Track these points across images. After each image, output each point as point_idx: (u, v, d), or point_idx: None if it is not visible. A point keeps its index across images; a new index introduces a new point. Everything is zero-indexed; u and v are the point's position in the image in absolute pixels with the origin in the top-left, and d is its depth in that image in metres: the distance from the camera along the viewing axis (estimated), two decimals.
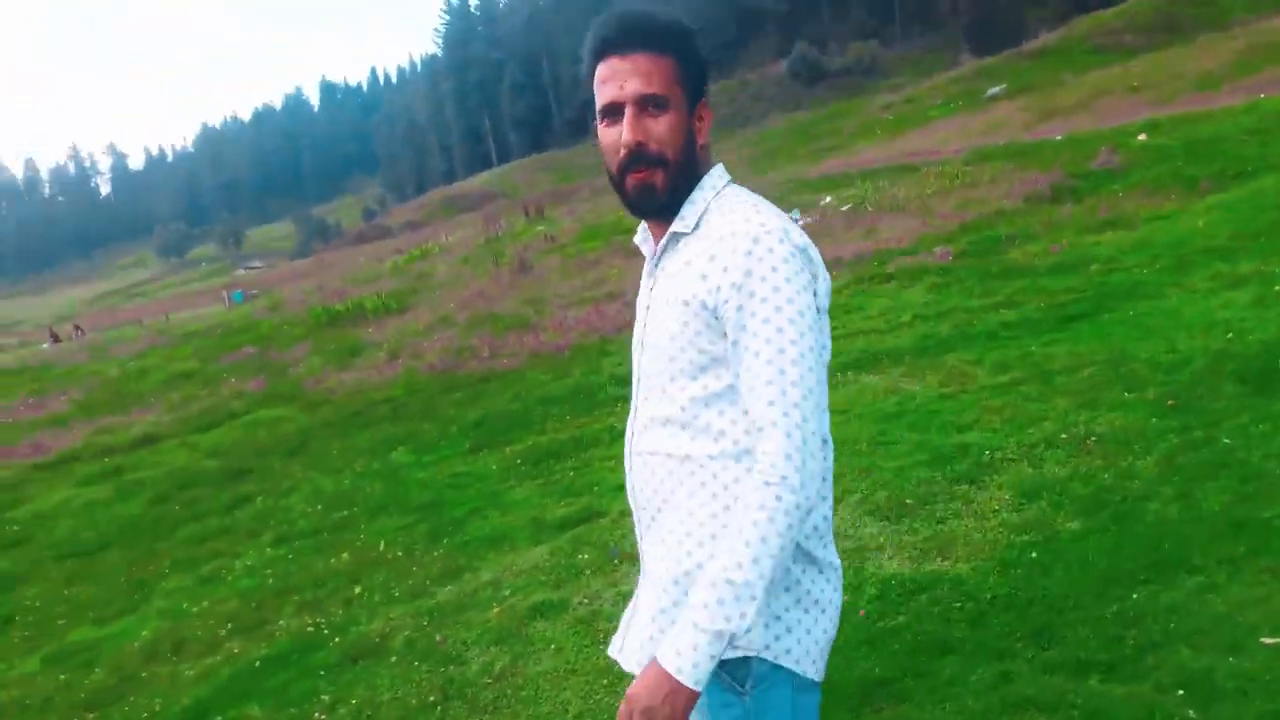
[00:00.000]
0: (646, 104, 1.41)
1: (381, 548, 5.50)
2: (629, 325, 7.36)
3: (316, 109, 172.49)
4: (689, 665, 1.24)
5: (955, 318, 7.97)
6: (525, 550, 4.91)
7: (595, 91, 1.46)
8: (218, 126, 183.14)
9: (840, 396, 6.35)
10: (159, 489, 8.57)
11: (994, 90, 38.47)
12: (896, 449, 5.06)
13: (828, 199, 17.13)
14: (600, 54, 1.45)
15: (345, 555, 5.51)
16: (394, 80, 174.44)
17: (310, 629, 4.46)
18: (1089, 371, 5.63)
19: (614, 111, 1.43)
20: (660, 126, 1.41)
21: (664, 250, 1.48)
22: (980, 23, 64.28)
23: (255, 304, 31.18)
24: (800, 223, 15.73)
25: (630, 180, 1.44)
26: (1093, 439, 4.55)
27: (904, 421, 5.52)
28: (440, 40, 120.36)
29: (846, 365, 7.10)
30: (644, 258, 1.57)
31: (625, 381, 8.61)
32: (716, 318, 1.35)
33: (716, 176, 1.49)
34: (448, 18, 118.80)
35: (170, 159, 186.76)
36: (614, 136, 1.43)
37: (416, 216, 79.80)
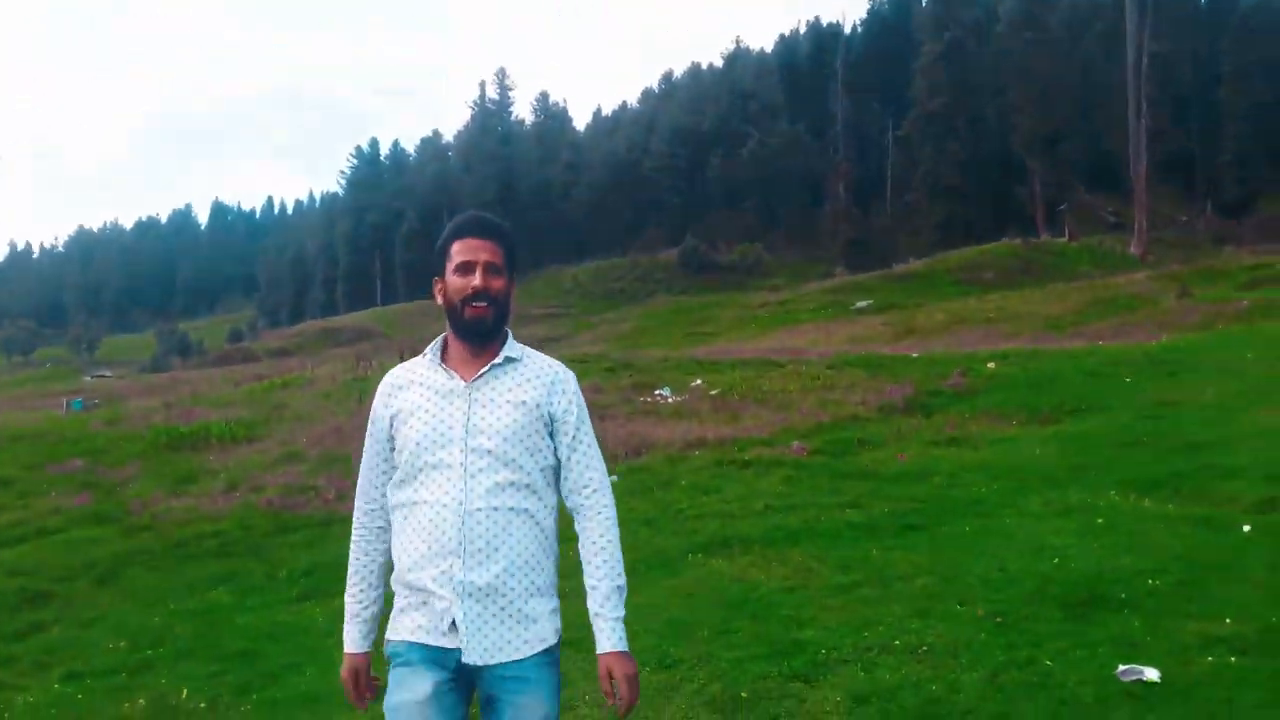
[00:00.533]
0: (490, 268, 2.22)
1: (183, 696, 5.06)
2: None
3: (203, 227, 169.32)
4: (623, 641, 2.22)
5: (805, 512, 8.18)
6: (338, 717, 4.60)
7: (450, 256, 2.25)
8: (95, 230, 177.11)
9: (687, 580, 6.37)
10: None
11: (862, 304, 41.12)
12: (736, 639, 5.06)
13: (698, 381, 17.65)
14: (460, 235, 2.27)
15: (142, 701, 5.03)
16: (289, 211, 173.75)
17: None
18: (924, 581, 5.83)
19: (468, 269, 2.21)
20: (497, 284, 2.23)
21: (491, 370, 2.24)
22: (857, 242, 69.58)
23: (94, 414, 29.33)
24: (668, 400, 16.14)
25: (469, 311, 2.21)
26: (924, 648, 4.66)
27: (746, 611, 5.55)
28: (344, 181, 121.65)
29: (698, 546, 7.14)
30: (437, 381, 2.26)
31: None
32: (553, 421, 2.25)
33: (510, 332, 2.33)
34: (355, 162, 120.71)
35: (35, 255, 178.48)
36: (462, 283, 2.21)
37: (288, 344, 77.80)
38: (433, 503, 2.17)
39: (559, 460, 2.28)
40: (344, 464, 13.19)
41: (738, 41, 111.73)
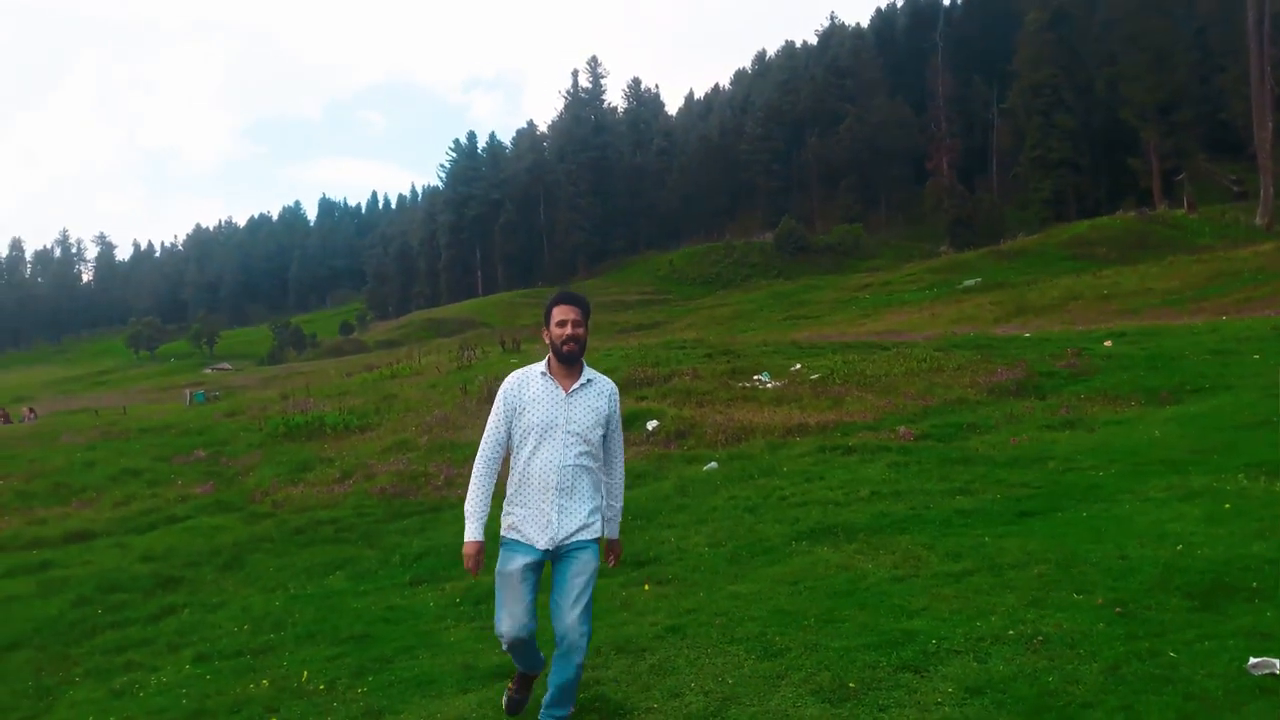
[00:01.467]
0: (576, 324, 3.93)
1: (304, 678, 5.26)
2: None
3: (312, 223, 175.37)
4: (618, 533, 4.26)
5: (912, 499, 8.00)
6: (452, 698, 4.71)
7: (552, 316, 3.97)
8: (211, 229, 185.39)
9: (792, 567, 6.30)
10: (83, 589, 8.21)
11: (969, 283, 39.95)
12: (844, 628, 4.98)
13: (798, 366, 17.45)
14: (558, 304, 4.00)
15: (265, 682, 5.25)
16: (393, 205, 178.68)
17: None
18: (1039, 569, 5.63)
19: (563, 324, 3.93)
20: (580, 332, 3.95)
21: (580, 388, 3.99)
22: (961, 220, 67.51)
23: (215, 406, 30.76)
24: (768, 385, 15.98)
25: (566, 348, 3.92)
26: (1040, 638, 4.50)
27: (854, 600, 5.45)
28: (444, 175, 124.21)
29: (801, 534, 7.06)
30: (548, 388, 3.98)
31: None
32: (608, 420, 4.08)
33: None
34: (454, 155, 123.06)
35: (158, 254, 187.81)
36: (560, 332, 3.93)
37: (394, 335, 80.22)
38: (544, 459, 3.96)
39: (606, 440, 4.16)
40: (452, 452, 13.51)
41: (832, 18, 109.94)
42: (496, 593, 4.00)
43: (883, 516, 7.45)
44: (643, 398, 15.50)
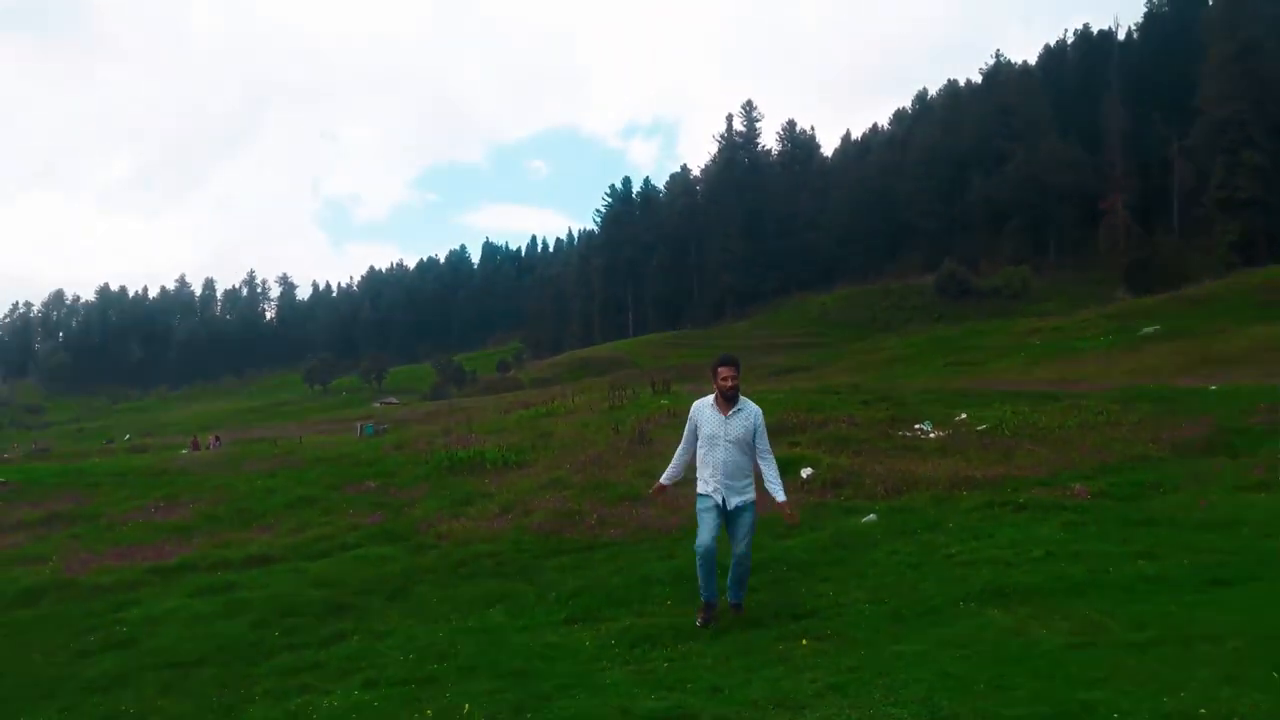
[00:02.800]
0: (732, 378, 6.83)
1: (466, 710, 5.39)
2: None
3: (476, 265, 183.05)
4: (784, 495, 7.01)
5: (1090, 561, 7.53)
6: None
7: (719, 372, 6.91)
8: (383, 271, 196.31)
9: (959, 630, 6.03)
10: (263, 612, 8.70)
11: (1148, 330, 37.62)
12: (1017, 695, 4.72)
13: (963, 415, 16.80)
14: (721, 364, 6.94)
15: (429, 712, 5.41)
16: (550, 249, 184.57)
17: None
18: (1235, 643, 5.18)
19: (724, 378, 6.86)
20: (735, 382, 6.87)
21: (735, 413, 6.85)
22: (1140, 262, 63.76)
23: (384, 439, 32.27)
24: (930, 435, 15.43)
25: (727, 391, 6.84)
26: (1237, 719, 4.13)
27: (1026, 667, 5.16)
28: (599, 219, 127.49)
29: (969, 595, 6.75)
30: (714, 413, 6.90)
31: None
32: (755, 430, 6.89)
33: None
34: (610, 200, 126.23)
35: (334, 294, 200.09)
36: (725, 382, 6.85)
37: (548, 374, 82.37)
38: (713, 458, 6.81)
39: (754, 443, 6.84)
40: (605, 490, 13.67)
41: (998, 56, 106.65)
42: (698, 520, 6.88)
43: (1058, 579, 7.03)
44: (795, 444, 15.24)
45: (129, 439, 67.84)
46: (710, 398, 6.88)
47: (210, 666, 7.23)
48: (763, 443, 6.84)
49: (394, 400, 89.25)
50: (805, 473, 13.03)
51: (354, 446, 29.06)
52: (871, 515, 10.38)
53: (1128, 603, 6.31)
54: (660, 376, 39.59)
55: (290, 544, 12.39)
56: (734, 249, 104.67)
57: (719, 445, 6.70)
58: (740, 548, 6.81)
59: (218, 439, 42.20)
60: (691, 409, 6.98)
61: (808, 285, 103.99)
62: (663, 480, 7.25)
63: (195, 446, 39.59)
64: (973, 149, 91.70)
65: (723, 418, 6.73)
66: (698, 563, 6.77)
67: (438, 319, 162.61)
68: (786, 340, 78.41)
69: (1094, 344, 37.68)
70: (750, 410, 6.80)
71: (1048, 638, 5.68)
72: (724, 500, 6.72)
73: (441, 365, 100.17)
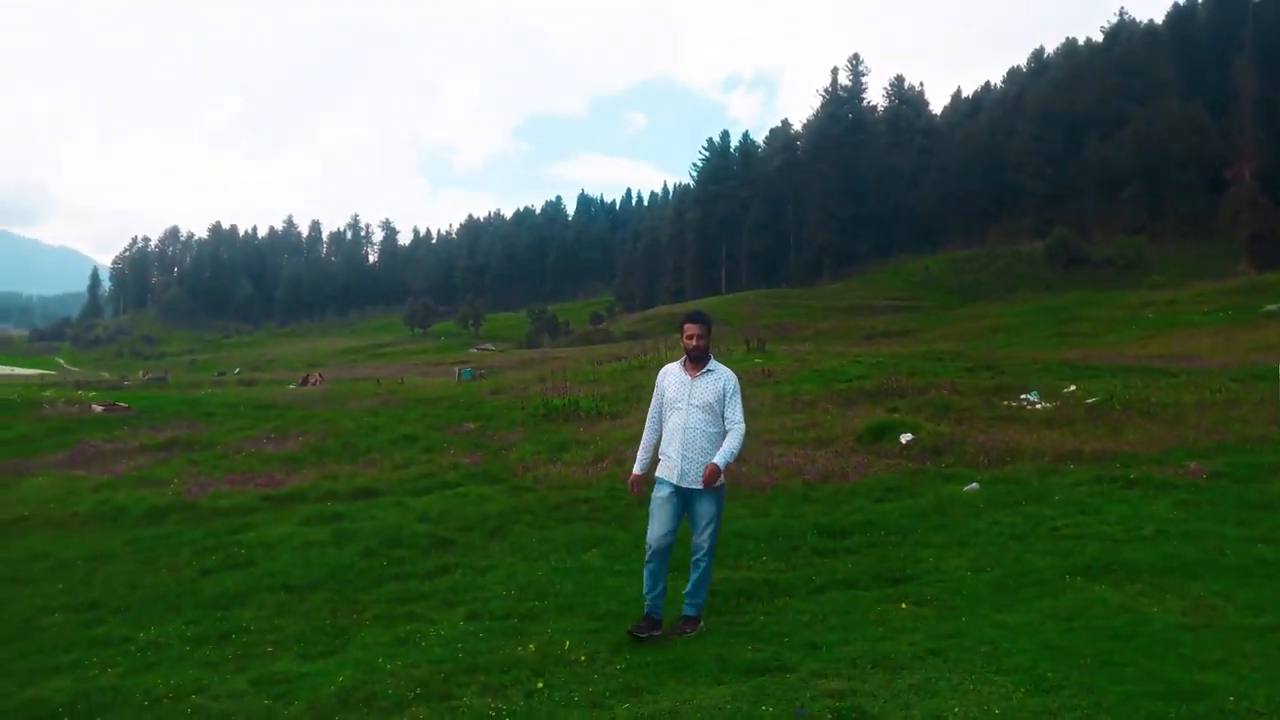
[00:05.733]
0: (698, 337, 5.89)
1: (566, 647, 5.55)
2: (836, 474, 7.71)
3: (570, 217, 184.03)
4: (722, 464, 5.74)
5: (1205, 542, 7.28)
6: (705, 687, 4.81)
7: (685, 330, 5.96)
8: (481, 219, 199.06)
9: (1064, 603, 5.92)
10: (370, 542, 9.07)
11: (1271, 308, 35.66)
12: (1125, 673, 4.63)
13: (1072, 388, 16.28)
14: (689, 321, 5.99)
15: (532, 646, 5.59)
16: (644, 202, 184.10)
17: (492, 713, 4.54)
18: None
19: (689, 336, 5.90)
20: (703, 343, 5.92)
21: (703, 374, 5.91)
22: (1265, 236, 60.31)
23: (482, 384, 32.97)
24: (1036, 406, 15.01)
25: (692, 353, 5.91)
26: None
27: (1136, 644, 5.05)
28: (695, 173, 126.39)
29: (1075, 569, 6.61)
30: (680, 375, 5.97)
31: (832, 534, 8.35)
32: (724, 394, 5.88)
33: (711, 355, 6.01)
34: (707, 154, 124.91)
35: (434, 241, 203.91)
36: (690, 341, 5.90)
37: (639, 328, 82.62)
38: (675, 425, 5.85)
39: (724, 412, 5.84)
40: None
41: (1121, 14, 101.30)
42: (650, 512, 5.96)
43: (1170, 558, 6.83)
44: (894, 409, 15.01)
45: (239, 372, 70.93)
46: (678, 362, 6.08)
47: (322, 591, 7.58)
48: (734, 412, 5.88)
49: (490, 347, 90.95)
50: (905, 438, 12.85)
51: (453, 389, 29.82)
52: (974, 484, 10.21)
53: (1244, 586, 6.10)
54: (756, 335, 39.35)
55: (394, 479, 12.85)
56: (833, 207, 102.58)
57: (681, 408, 5.84)
58: (701, 540, 5.86)
59: (321, 377, 43.75)
60: (658, 376, 6.11)
61: (907, 247, 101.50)
62: (635, 470, 6.14)
63: (304, 382, 41.15)
64: (1090, 110, 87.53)
65: (689, 379, 5.90)
66: (645, 564, 5.93)
67: (532, 269, 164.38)
68: (885, 303, 76.89)
69: (1211, 319, 35.93)
70: (722, 373, 5.95)
71: (1159, 616, 5.54)
72: (682, 477, 5.77)
73: (536, 315, 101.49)
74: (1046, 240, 77.04)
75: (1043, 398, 15.46)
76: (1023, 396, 15.62)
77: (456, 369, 46.42)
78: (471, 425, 17.64)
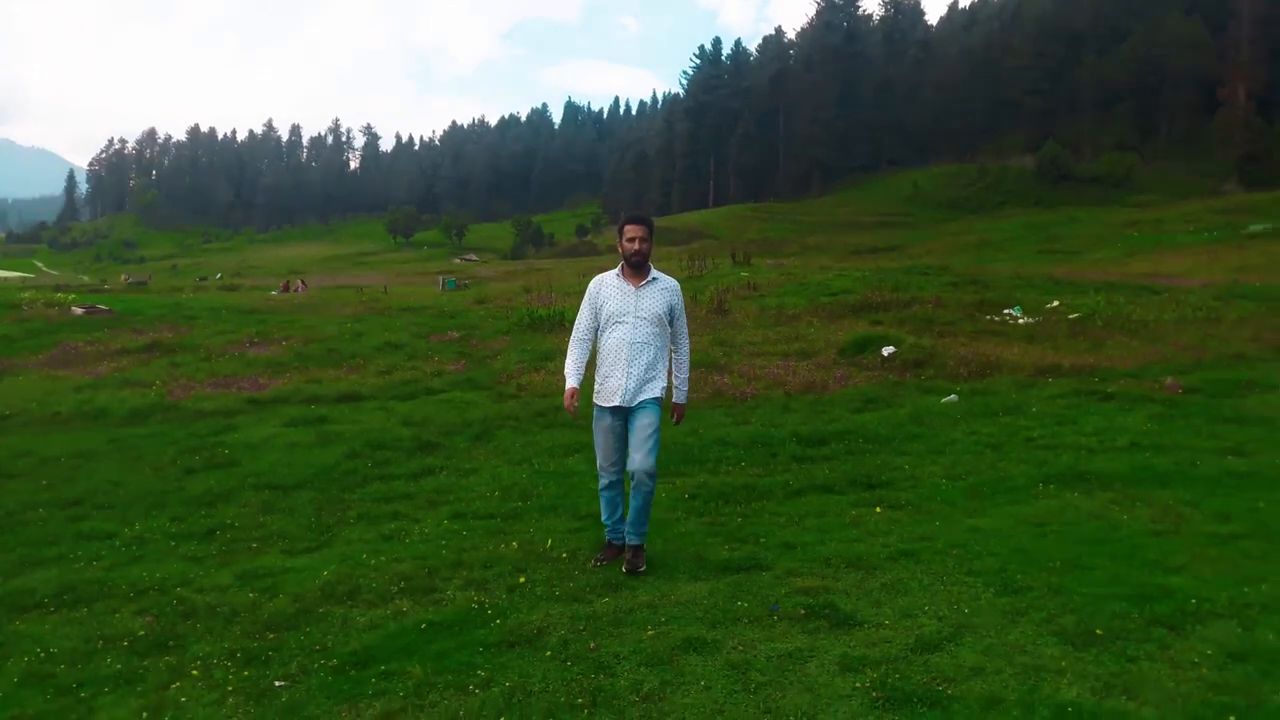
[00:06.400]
0: (641, 240, 5.22)
1: (549, 545, 5.65)
2: (818, 385, 7.61)
3: (557, 126, 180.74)
4: (684, 400, 5.52)
5: (1177, 454, 7.42)
6: (683, 583, 4.92)
7: (625, 232, 5.26)
8: (465, 127, 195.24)
9: (1037, 509, 6.05)
10: (354, 444, 9.13)
11: (1256, 228, 35.71)
12: (1093, 575, 4.75)
13: (1055, 303, 16.36)
14: (630, 222, 5.30)
15: (514, 544, 5.69)
16: (633, 111, 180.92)
17: (475, 606, 4.64)
18: None
19: (631, 239, 5.22)
20: (645, 247, 5.24)
21: (647, 284, 5.26)
22: (1255, 157, 60.00)
23: (466, 293, 32.80)
24: (1018, 320, 15.10)
25: (634, 258, 5.22)
26: None
27: (1105, 549, 5.18)
28: (685, 82, 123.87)
29: (1049, 478, 6.74)
30: (620, 286, 5.26)
31: (811, 442, 8.43)
32: (672, 308, 5.30)
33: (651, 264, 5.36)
34: (698, 62, 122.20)
35: (417, 148, 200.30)
36: (632, 244, 5.21)
37: None
38: (618, 342, 5.20)
39: (671, 325, 5.33)
40: None
41: None
42: (594, 439, 5.44)
43: (1142, 469, 6.97)
44: (878, 322, 15.09)
45: (220, 277, 70.26)
46: (614, 271, 5.33)
47: (307, 490, 7.67)
48: (681, 325, 5.40)
49: (473, 257, 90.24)
50: (886, 351, 12.94)
51: (437, 299, 29.66)
52: (952, 396, 10.32)
53: (1213, 496, 6.24)
54: (742, 249, 39.15)
55: (378, 384, 12.88)
56: (826, 119, 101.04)
57: (627, 322, 5.18)
58: (641, 462, 5.10)
59: (304, 284, 43.40)
60: (589, 287, 5.40)
61: (900, 161, 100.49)
62: (570, 384, 5.28)
63: (285, 289, 40.83)
64: (1089, 24, 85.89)
65: (632, 289, 5.22)
66: (601, 491, 5.44)
67: (516, 179, 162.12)
68: (874, 218, 76.45)
69: (1195, 239, 35.98)
70: (667, 283, 5.33)
71: (1128, 523, 5.67)
72: (626, 395, 5.16)
73: (521, 226, 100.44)
74: (1038, 156, 76.40)
75: (1025, 313, 15.55)
76: (1005, 311, 15.70)
77: (440, 279, 46.12)
78: (456, 334, 17.61)
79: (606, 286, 5.28)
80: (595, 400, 5.31)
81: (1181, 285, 18.57)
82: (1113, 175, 69.33)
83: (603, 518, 5.47)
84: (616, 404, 5.17)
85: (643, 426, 5.13)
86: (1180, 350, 12.36)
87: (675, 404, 5.45)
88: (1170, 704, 3.33)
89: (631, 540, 5.24)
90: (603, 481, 5.39)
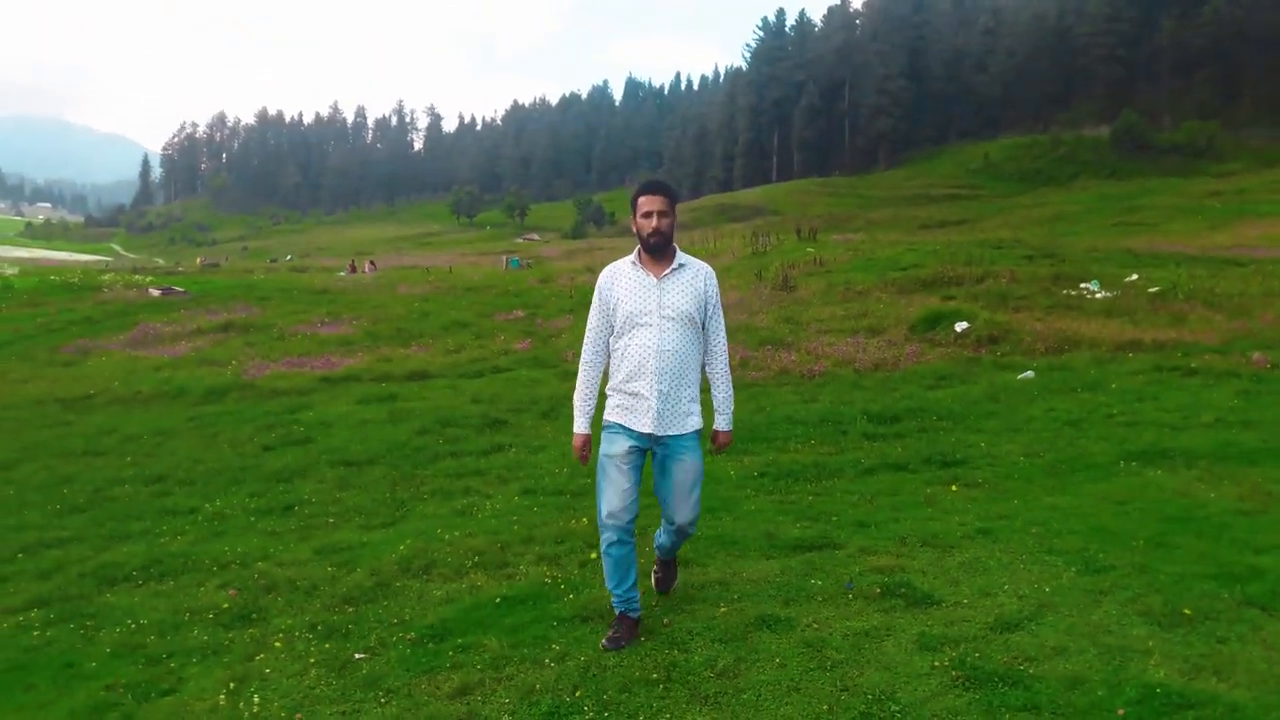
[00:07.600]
0: (662, 215, 3.78)
1: None
2: (889, 362, 7.31)
3: (618, 103, 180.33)
4: (730, 426, 4.09)
5: (1265, 430, 7.15)
6: (755, 561, 4.90)
7: (639, 205, 3.81)
8: (526, 106, 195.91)
9: (1118, 486, 5.88)
10: (425, 421, 9.28)
11: None
12: (1178, 554, 4.61)
13: (1134, 277, 15.85)
14: (643, 193, 3.82)
15: (585, 520, 5.72)
16: (695, 86, 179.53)
17: (548, 581, 4.68)
18: None
19: (649, 216, 3.78)
20: (666, 222, 3.79)
21: (672, 272, 3.84)
22: None
23: (529, 272, 33.01)
24: (1096, 295, 14.65)
25: (653, 240, 3.79)
26: None
27: (1190, 528, 5.02)
28: (748, 55, 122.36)
29: (1131, 455, 6.55)
30: (638, 277, 3.85)
31: (882, 420, 8.33)
32: (706, 301, 3.90)
33: (676, 245, 3.89)
34: (761, 34, 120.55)
35: (479, 128, 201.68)
36: (646, 224, 3.79)
37: (687, 218, 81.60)
38: (639, 351, 3.84)
39: (705, 323, 3.98)
40: (747, 335, 13.72)
41: None
42: (598, 479, 3.93)
43: (1228, 446, 6.73)
44: (950, 297, 14.78)
45: (290, 258, 71.79)
46: (629, 258, 3.94)
47: (381, 466, 7.82)
48: (718, 324, 4.04)
49: (535, 236, 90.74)
50: (960, 327, 12.68)
51: (501, 278, 29.92)
52: (1029, 372, 10.08)
53: None
54: (807, 224, 38.69)
55: (447, 363, 13.05)
56: (892, 90, 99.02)
57: (650, 325, 3.83)
58: (689, 514, 4.02)
59: (372, 264, 44.11)
60: (599, 280, 3.98)
61: (969, 133, 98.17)
62: (578, 429, 3.98)
63: (352, 269, 41.56)
64: None
65: (654, 281, 3.85)
66: (606, 550, 3.97)
67: (578, 157, 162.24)
68: (943, 191, 74.88)
69: None
70: (698, 269, 3.94)
71: (1214, 501, 5.49)
72: (659, 421, 3.83)
73: (582, 205, 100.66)
74: (1113, 125, 73.95)
75: (1103, 287, 15.09)
76: (1082, 285, 15.25)
77: (504, 258, 46.48)
78: (520, 312, 17.76)
79: (621, 278, 3.90)
80: (609, 417, 3.92)
81: (1267, 257, 17.84)
82: (1193, 144, 66.79)
83: (609, 584, 3.99)
84: (645, 430, 3.83)
85: (686, 471, 3.91)
86: (1268, 325, 11.87)
87: (717, 430, 4.07)
88: (1263, 685, 3.22)
89: (666, 557, 4.35)
90: (607, 538, 3.92)
